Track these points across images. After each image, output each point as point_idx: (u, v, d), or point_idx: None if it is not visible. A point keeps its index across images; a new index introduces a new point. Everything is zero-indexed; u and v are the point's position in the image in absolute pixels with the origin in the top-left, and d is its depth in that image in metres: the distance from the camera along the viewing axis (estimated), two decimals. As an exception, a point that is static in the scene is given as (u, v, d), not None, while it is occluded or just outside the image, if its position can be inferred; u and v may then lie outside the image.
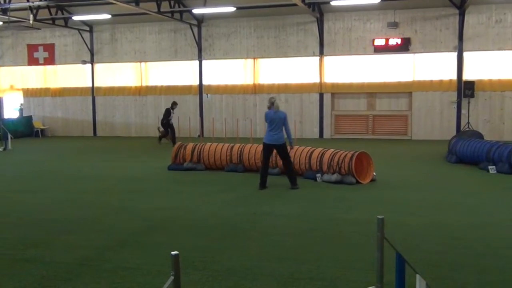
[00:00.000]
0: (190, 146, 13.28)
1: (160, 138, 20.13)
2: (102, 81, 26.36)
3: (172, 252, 2.35)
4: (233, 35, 24.12)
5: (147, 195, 9.80)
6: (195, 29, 24.20)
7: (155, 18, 22.95)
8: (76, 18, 23.09)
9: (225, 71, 24.49)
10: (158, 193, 10.01)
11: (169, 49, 25.11)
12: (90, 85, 26.46)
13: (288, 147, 10.30)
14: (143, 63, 25.65)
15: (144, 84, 25.72)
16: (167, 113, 19.75)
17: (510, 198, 9.03)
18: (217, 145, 13.19)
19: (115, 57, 25.99)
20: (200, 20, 24.20)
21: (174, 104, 20.10)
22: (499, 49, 21.04)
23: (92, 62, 26.20)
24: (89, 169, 13.65)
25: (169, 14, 22.28)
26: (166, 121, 19.69)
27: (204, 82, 24.79)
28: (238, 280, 4.99)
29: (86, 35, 25.89)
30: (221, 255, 5.81)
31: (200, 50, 24.49)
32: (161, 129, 20.13)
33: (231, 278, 5.06)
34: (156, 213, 8.06)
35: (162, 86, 25.46)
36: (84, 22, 25.26)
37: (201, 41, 24.45)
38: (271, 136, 9.99)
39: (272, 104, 10.08)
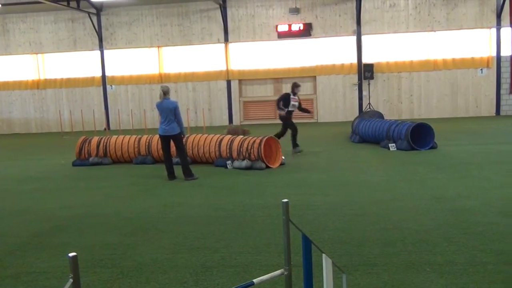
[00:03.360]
0: (95, 140, 12.80)
1: (279, 137, 13.06)
2: (-5, 76, 24.68)
3: (69, 254, 2.21)
4: (135, 24, 23.50)
5: (51, 194, 9.31)
6: (94, 18, 23.29)
7: (50, 7, 21.80)
8: (-40, 8, 21.36)
9: (129, 61, 23.84)
10: (62, 191, 9.55)
11: (67, 39, 24.01)
12: (-19, 80, 24.71)
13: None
14: (39, 55, 24.33)
15: (42, 77, 24.45)
16: (286, 99, 12.96)
17: (409, 173, 9.57)
18: (123, 137, 12.82)
19: (8, 49, 24.44)
20: (99, 8, 23.31)
21: (296, 86, 13.20)
22: (394, 32, 22.20)
23: (-18, 55, 24.43)
24: (-16, 170, 12.74)
25: (65, 3, 21.23)
26: (288, 112, 12.95)
27: (108, 73, 24.02)
28: (150, 274, 4.88)
29: (-26, 27, 24.08)
30: (131, 250, 5.64)
31: (100, 40, 23.64)
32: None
33: (142, 273, 4.93)
34: (61, 212, 7.67)
35: (62, 79, 24.35)
36: (-30, 13, 23.46)
37: (101, 30, 23.58)
38: (163, 128, 9.82)
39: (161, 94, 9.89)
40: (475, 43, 22.17)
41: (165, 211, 7.47)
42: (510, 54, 22.09)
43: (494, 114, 22.32)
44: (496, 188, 7.94)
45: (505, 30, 21.98)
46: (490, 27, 21.99)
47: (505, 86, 22.31)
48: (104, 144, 12.66)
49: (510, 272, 4.52)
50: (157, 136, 12.47)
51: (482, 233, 5.65)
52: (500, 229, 5.78)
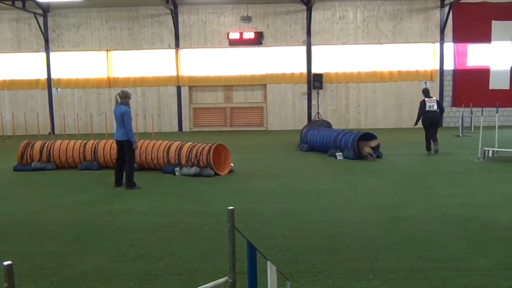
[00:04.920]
0: (38, 144, 12.39)
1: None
2: None
3: (4, 262, 2.13)
4: (83, 26, 22.99)
5: (-11, 199, 8.93)
6: (41, 19, 22.64)
7: (-7, 6, 21.01)
8: None
9: (76, 64, 23.27)
10: (1, 197, 9.17)
11: (11, 40, 23.21)
12: None
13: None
14: (-19, 55, 23.37)
15: (-17, 79, 23.46)
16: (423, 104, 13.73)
17: (355, 182, 9.78)
18: (68, 142, 12.47)
19: None
20: (46, 9, 22.69)
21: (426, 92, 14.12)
22: (343, 43, 22.69)
23: None
24: None
25: (10, 2, 20.55)
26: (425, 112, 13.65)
27: (53, 76, 23.33)
28: (91, 283, 4.75)
29: None
30: (73, 258, 5.48)
31: (47, 41, 22.99)
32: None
33: (84, 282, 4.79)
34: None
35: (5, 81, 23.52)
36: None
37: (47, 32, 22.94)
38: (116, 133, 9.71)
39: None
40: (420, 56, 22.97)
41: (110, 218, 7.31)
42: (452, 68, 23.00)
43: (437, 126, 23.14)
44: (437, 196, 8.22)
45: (448, 45, 22.89)
46: (434, 42, 22.84)
47: (447, 99, 23.20)
48: (48, 148, 12.28)
49: (449, 278, 4.68)
50: (103, 141, 12.28)
51: (423, 240, 5.83)
52: (440, 236, 5.98)
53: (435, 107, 13.52)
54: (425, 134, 13.82)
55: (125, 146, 9.62)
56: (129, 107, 9.71)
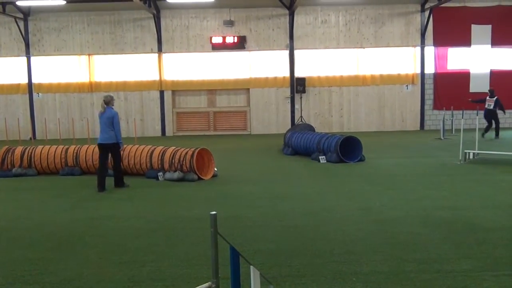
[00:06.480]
0: (19, 150, 12.23)
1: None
2: None
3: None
4: (64, 30, 22.79)
5: (-32, 206, 8.78)
6: (21, 23, 22.41)
7: (-28, 9, 20.73)
8: None
9: (57, 68, 23.03)
10: (-19, 203, 9.03)
11: (-9, 44, 22.88)
12: None
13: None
14: (-40, 60, 23.01)
15: (-38, 83, 23.09)
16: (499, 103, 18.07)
17: (338, 185, 9.82)
18: (50, 147, 12.33)
19: None
20: (27, 13, 22.46)
21: (489, 90, 18.74)
22: (325, 47, 22.82)
23: None
24: None
25: (-11, 6, 20.27)
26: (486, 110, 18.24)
27: (34, 80, 23.08)
28: (74, 290, 4.71)
29: None
30: (55, 265, 5.42)
31: (27, 46, 22.74)
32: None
33: (66, 289, 4.74)
34: (-21, 226, 7.25)
35: (-16, 85, 23.11)
36: None
37: (28, 36, 22.70)
38: (100, 136, 9.85)
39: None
40: (401, 60, 23.17)
41: (93, 224, 7.24)
42: (433, 71, 23.26)
43: (419, 128, 23.38)
44: (419, 199, 8.30)
45: (428, 49, 23.14)
46: (415, 46, 23.08)
47: (429, 102, 23.44)
48: (29, 154, 12.13)
49: (431, 280, 4.72)
50: (85, 146, 12.17)
51: (405, 242, 5.88)
52: (422, 238, 6.04)
53: (492, 107, 17.64)
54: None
55: (113, 149, 9.84)
56: None
